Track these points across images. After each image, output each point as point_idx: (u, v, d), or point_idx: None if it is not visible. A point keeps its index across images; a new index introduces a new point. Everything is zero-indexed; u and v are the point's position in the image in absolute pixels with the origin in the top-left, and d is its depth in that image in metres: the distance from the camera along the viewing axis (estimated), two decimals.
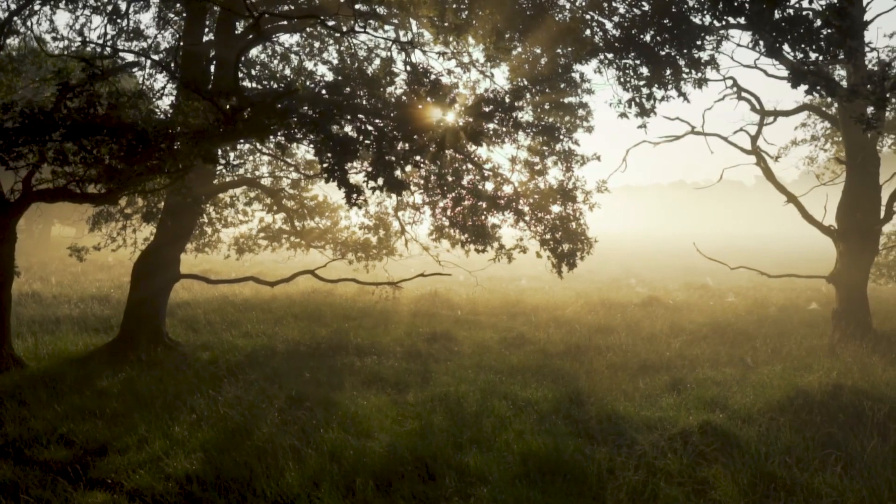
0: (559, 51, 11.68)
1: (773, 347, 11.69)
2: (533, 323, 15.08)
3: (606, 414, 8.10)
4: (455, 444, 7.01)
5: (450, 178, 12.68)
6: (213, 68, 12.28)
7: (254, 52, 17.68)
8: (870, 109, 9.76)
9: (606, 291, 20.50)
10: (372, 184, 6.87)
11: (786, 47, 6.95)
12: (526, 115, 12.86)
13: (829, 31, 6.39)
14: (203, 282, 14.51)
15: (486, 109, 11.64)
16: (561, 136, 12.39)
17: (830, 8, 6.30)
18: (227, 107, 6.12)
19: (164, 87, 14.86)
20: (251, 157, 17.54)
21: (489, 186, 13.02)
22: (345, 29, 12.80)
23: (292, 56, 17.34)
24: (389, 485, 6.13)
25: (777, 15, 6.49)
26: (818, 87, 7.04)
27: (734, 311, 15.97)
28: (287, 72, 17.09)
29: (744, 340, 12.51)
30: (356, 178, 10.84)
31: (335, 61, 16.40)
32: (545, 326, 14.55)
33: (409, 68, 14.02)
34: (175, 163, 6.61)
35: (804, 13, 6.56)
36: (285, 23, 11.83)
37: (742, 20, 7.17)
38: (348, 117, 6.88)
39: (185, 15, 12.70)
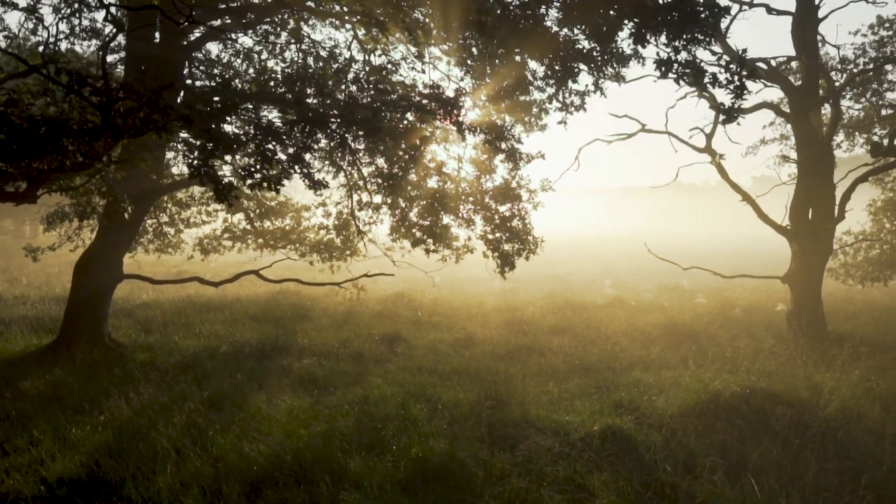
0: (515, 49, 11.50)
1: (718, 349, 11.43)
2: (488, 324, 14.88)
3: (515, 418, 7.90)
4: (344, 449, 6.83)
5: (398, 175, 12.60)
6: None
7: (214, 50, 17.62)
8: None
9: (576, 293, 20.24)
10: (250, 180, 6.74)
11: (648, 36, 6.75)
12: (472, 114, 12.72)
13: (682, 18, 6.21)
14: (158, 283, 14.46)
15: (431, 106, 11.51)
16: (506, 135, 12.24)
17: None
18: (96, 101, 5.99)
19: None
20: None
21: (433, 185, 12.89)
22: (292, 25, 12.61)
23: (254, 55, 17.28)
24: (260, 489, 5.96)
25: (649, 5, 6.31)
26: (685, 77, 6.84)
27: (696, 312, 15.68)
28: (251, 71, 17.04)
29: (693, 342, 12.26)
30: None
31: (299, 60, 16.33)
32: (499, 328, 14.35)
33: (367, 67, 13.94)
34: (55, 160, 6.47)
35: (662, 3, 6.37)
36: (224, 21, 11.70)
37: (614, 12, 6.96)
38: (243, 112, 6.74)
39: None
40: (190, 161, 5.93)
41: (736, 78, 6.70)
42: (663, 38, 6.61)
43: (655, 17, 6.36)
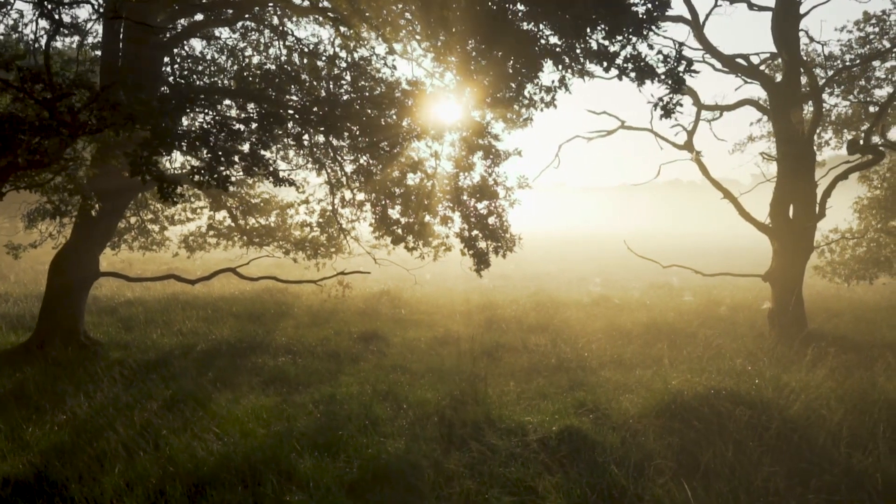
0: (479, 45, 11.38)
1: (694, 348, 11.32)
2: (470, 322, 14.80)
3: (477, 418, 7.81)
4: (297, 449, 6.76)
5: (373, 171, 12.56)
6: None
7: (198, 47, 17.50)
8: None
9: (562, 291, 20.13)
10: (198, 177, 6.66)
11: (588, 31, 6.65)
12: (453, 110, 12.64)
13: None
14: (134, 280, 14.41)
15: (408, 103, 11.43)
16: (484, 132, 12.17)
17: None
18: (41, 98, 5.93)
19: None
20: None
21: (411, 182, 12.81)
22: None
23: (239, 52, 17.21)
24: (204, 490, 5.90)
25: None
26: (626, 72, 6.72)
27: (679, 310, 15.56)
28: (235, 67, 16.99)
29: (670, 341, 12.14)
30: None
31: (284, 57, 16.27)
32: (479, 326, 14.27)
33: (344, 64, 13.86)
34: (8, 157, 6.41)
35: None
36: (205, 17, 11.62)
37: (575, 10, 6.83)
38: (198, 109, 6.67)
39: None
40: (132, 158, 5.85)
41: (673, 73, 6.57)
42: (602, 33, 6.50)
43: (594, 9, 6.25)
